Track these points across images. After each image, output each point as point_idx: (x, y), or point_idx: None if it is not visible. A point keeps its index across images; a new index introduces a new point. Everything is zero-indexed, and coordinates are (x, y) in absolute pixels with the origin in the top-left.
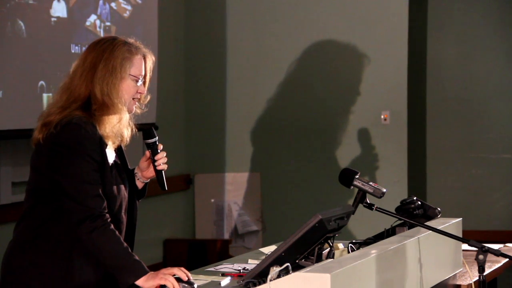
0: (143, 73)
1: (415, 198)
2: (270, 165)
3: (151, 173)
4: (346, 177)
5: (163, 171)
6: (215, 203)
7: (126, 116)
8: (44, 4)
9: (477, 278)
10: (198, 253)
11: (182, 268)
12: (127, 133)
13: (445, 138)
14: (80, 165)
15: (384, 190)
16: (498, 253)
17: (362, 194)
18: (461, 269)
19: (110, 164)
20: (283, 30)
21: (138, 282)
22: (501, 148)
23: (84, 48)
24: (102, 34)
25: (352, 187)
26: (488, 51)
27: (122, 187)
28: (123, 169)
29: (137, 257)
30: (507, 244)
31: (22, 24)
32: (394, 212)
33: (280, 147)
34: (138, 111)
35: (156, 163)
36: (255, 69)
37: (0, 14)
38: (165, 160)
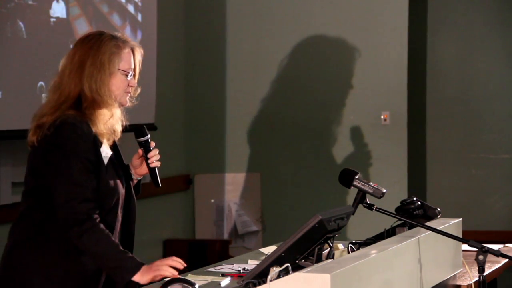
0: (132, 67)
1: (415, 198)
2: (270, 165)
3: (144, 170)
4: (346, 177)
5: (156, 168)
6: (215, 203)
7: (118, 111)
8: (44, 5)
9: (477, 278)
10: (198, 254)
11: (176, 258)
12: (119, 128)
13: (445, 138)
14: (73, 167)
15: (384, 191)
16: (498, 254)
17: (362, 194)
18: (461, 269)
19: (106, 161)
20: (283, 30)
21: (135, 278)
22: (501, 148)
23: None
24: None
25: (352, 187)
26: (488, 51)
27: (119, 183)
28: (119, 166)
29: (129, 254)
30: (507, 244)
31: (22, 24)
32: (394, 212)
33: (279, 147)
34: (129, 103)
35: (149, 161)
36: (255, 69)
37: (0, 14)
38: (158, 157)
